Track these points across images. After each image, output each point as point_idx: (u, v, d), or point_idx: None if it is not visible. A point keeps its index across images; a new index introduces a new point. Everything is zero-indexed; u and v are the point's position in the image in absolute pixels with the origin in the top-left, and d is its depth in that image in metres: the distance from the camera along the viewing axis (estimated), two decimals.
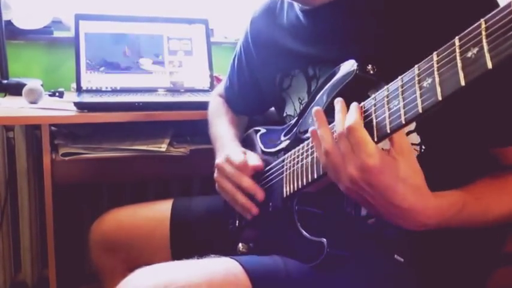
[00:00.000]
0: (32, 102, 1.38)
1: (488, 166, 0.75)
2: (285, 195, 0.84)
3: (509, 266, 0.92)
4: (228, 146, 1.02)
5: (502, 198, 0.72)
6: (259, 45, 1.06)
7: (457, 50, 0.49)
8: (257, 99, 1.13)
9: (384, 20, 0.78)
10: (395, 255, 0.77)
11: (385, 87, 0.61)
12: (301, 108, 0.92)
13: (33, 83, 1.45)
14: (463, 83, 0.48)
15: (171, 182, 1.82)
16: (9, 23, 1.67)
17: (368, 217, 0.81)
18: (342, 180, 0.65)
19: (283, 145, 0.90)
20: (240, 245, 0.94)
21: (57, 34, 1.79)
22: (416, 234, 0.68)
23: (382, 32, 0.77)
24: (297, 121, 0.89)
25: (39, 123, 1.28)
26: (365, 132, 0.61)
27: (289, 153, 0.85)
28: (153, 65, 1.62)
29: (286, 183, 0.84)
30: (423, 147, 0.77)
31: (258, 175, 0.92)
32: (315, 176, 0.74)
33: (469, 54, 0.47)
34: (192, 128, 1.47)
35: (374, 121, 0.62)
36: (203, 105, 1.29)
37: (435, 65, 0.52)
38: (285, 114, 0.99)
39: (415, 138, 0.77)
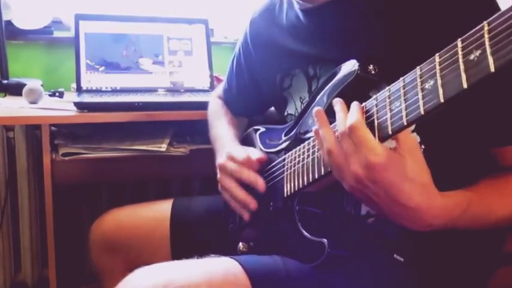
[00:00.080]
0: (32, 102, 1.38)
1: (487, 167, 0.75)
2: (285, 195, 0.84)
3: (510, 266, 0.92)
4: (228, 145, 1.02)
5: (504, 200, 0.71)
6: (259, 46, 1.06)
7: (460, 52, 0.49)
8: (256, 100, 1.13)
9: (385, 20, 0.78)
10: (395, 255, 0.77)
11: (387, 88, 0.61)
12: (302, 107, 0.92)
13: (33, 83, 1.45)
14: (465, 85, 0.48)
15: (171, 182, 1.82)
16: (9, 23, 1.67)
17: (368, 216, 0.81)
18: (346, 178, 0.64)
19: (283, 145, 0.90)
20: (241, 244, 0.94)
21: (57, 34, 1.79)
22: (416, 233, 0.68)
23: (383, 31, 0.77)
24: (298, 121, 0.89)
25: (39, 123, 1.28)
26: (367, 131, 0.60)
27: (289, 153, 0.85)
28: (153, 65, 1.62)
29: (286, 183, 0.84)
30: (423, 146, 0.77)
31: (260, 168, 0.92)
32: (316, 176, 0.74)
33: (472, 56, 0.47)
34: (192, 128, 1.47)
35: (375, 122, 0.62)
36: (203, 105, 1.29)
37: (437, 67, 0.52)
38: (286, 113, 0.99)
39: (415, 137, 0.77)
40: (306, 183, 0.77)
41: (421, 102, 0.54)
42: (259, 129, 1.04)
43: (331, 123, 0.69)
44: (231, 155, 0.93)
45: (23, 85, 1.41)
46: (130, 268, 0.80)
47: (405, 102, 0.57)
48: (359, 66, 0.73)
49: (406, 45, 0.73)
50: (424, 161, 0.62)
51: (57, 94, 1.52)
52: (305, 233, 0.78)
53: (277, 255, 0.83)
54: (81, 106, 1.32)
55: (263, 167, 0.93)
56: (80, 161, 1.34)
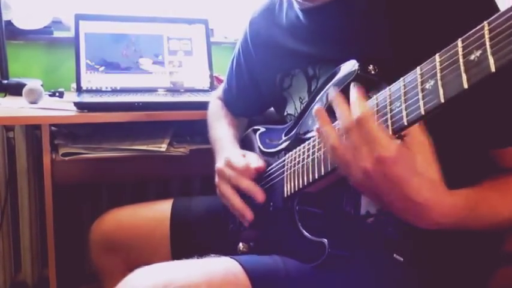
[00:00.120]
0: (32, 102, 1.38)
1: (487, 168, 0.75)
2: (285, 195, 0.84)
3: (510, 266, 0.91)
4: (227, 148, 1.02)
5: (507, 201, 0.71)
6: (259, 46, 1.06)
7: (460, 52, 0.49)
8: (256, 100, 1.13)
9: (385, 20, 0.78)
10: (395, 255, 0.77)
11: (387, 88, 0.61)
12: (301, 107, 0.92)
13: (33, 83, 1.45)
14: (466, 85, 0.48)
15: (171, 182, 1.82)
16: (9, 23, 1.67)
17: (368, 216, 0.81)
18: (353, 173, 0.62)
19: (283, 145, 0.90)
20: (241, 244, 0.94)
21: (57, 34, 1.79)
22: (416, 233, 0.68)
23: (383, 31, 0.77)
24: (297, 121, 0.89)
25: (39, 123, 1.28)
26: (376, 122, 0.59)
27: (289, 153, 0.85)
28: (153, 65, 1.62)
29: (286, 183, 0.84)
30: None
31: (258, 175, 0.91)
32: (316, 176, 0.74)
33: (472, 57, 0.47)
34: (192, 128, 1.47)
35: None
36: (203, 105, 1.29)
37: (438, 67, 0.52)
38: (285, 114, 0.99)
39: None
40: (306, 184, 0.77)
41: (421, 103, 0.54)
42: (259, 130, 1.04)
43: (332, 123, 0.69)
44: (229, 161, 0.92)
45: (23, 85, 1.41)
46: (130, 268, 0.80)
47: (405, 103, 0.57)
48: (359, 66, 0.73)
49: (406, 45, 0.73)
50: (434, 158, 0.61)
51: (57, 94, 1.52)
52: (305, 233, 0.78)
53: (277, 255, 0.83)
54: (81, 106, 1.32)
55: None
56: (80, 161, 1.34)
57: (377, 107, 0.62)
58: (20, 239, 1.65)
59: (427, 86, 0.53)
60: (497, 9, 0.68)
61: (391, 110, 0.59)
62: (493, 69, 0.45)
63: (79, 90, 1.52)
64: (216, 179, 0.97)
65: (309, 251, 0.76)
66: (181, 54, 1.66)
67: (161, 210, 1.12)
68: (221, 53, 1.83)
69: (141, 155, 1.37)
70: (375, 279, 0.78)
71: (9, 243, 1.64)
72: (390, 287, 0.80)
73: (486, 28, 0.46)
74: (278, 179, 0.87)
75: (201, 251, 0.84)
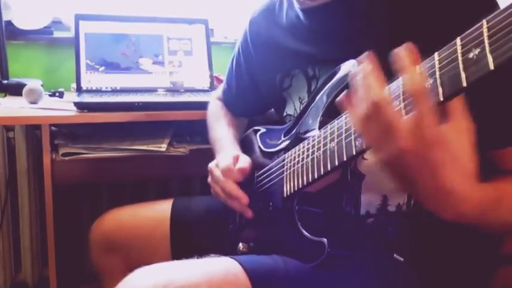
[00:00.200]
0: (32, 102, 1.38)
1: (487, 170, 0.74)
2: (285, 195, 0.84)
3: (510, 266, 0.91)
4: (226, 148, 1.03)
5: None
6: (259, 46, 1.06)
7: (459, 51, 0.49)
8: (256, 100, 1.13)
9: (385, 20, 0.78)
10: (395, 255, 0.77)
11: (386, 87, 0.61)
12: (301, 107, 0.92)
13: (33, 83, 1.45)
14: (464, 84, 0.48)
15: (171, 182, 1.82)
16: (9, 23, 1.67)
17: (367, 216, 0.82)
18: (387, 150, 0.55)
19: (283, 145, 0.90)
20: (241, 244, 0.94)
21: (57, 34, 1.79)
22: (416, 233, 0.67)
23: (383, 31, 0.77)
24: (297, 121, 0.89)
25: (39, 123, 1.28)
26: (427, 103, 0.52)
27: (289, 153, 0.85)
28: (153, 65, 1.62)
29: (286, 183, 0.84)
30: None
31: (249, 176, 0.92)
32: (316, 176, 0.74)
33: (471, 55, 0.47)
34: (192, 128, 1.47)
35: None
36: (203, 105, 1.29)
37: (436, 65, 0.52)
38: (285, 114, 0.99)
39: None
40: (305, 183, 0.77)
41: None
42: (259, 130, 1.04)
43: (330, 124, 0.69)
44: (218, 162, 0.95)
45: (23, 85, 1.41)
46: (130, 268, 0.80)
47: (404, 101, 0.57)
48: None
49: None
50: (472, 148, 0.55)
51: (57, 94, 1.52)
52: (305, 233, 0.78)
53: (277, 255, 0.83)
54: (81, 106, 1.32)
55: (257, 171, 0.93)
56: (80, 161, 1.34)
57: None
58: (20, 239, 1.65)
59: (426, 84, 0.53)
60: (497, 7, 0.68)
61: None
62: (491, 67, 0.45)
63: (79, 90, 1.52)
64: (209, 179, 0.99)
65: (309, 250, 0.76)
66: (181, 54, 1.66)
67: (161, 210, 1.12)
68: (221, 53, 1.83)
69: (141, 155, 1.37)
70: (374, 279, 0.78)
71: (9, 243, 1.64)
72: (390, 287, 0.80)
73: (485, 26, 0.46)
74: (278, 179, 0.87)
75: (201, 251, 0.84)
